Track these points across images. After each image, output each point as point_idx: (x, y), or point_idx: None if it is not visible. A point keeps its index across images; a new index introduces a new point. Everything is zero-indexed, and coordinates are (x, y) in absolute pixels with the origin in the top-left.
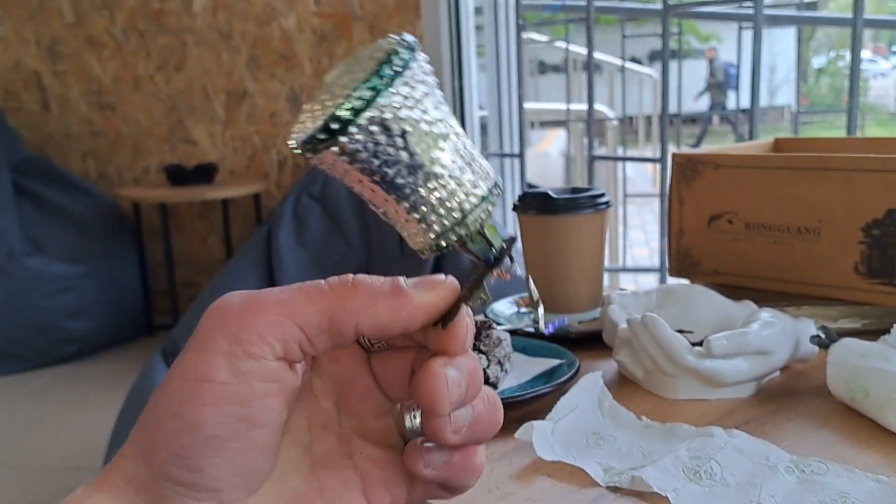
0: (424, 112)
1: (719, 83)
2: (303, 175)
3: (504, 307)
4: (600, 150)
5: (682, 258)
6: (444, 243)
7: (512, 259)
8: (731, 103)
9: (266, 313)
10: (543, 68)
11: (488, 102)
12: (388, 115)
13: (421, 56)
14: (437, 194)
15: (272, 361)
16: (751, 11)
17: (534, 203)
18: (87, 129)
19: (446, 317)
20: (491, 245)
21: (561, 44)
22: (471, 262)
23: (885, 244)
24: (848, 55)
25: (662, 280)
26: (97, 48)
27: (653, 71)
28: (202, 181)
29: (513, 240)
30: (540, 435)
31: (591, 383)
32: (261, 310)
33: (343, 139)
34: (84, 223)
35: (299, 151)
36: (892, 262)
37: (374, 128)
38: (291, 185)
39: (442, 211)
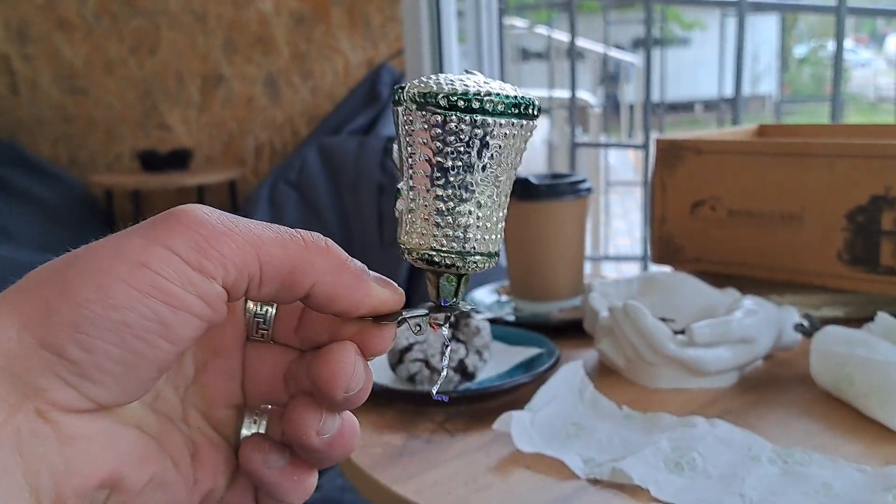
0: (512, 157)
1: (611, 75)
2: (280, 161)
3: (484, 295)
4: (583, 138)
5: (664, 245)
6: (434, 259)
7: (450, 324)
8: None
9: (234, 237)
10: (526, 55)
11: None
12: (496, 132)
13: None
14: (468, 219)
15: (218, 286)
16: None
17: (514, 189)
18: (58, 114)
19: (383, 318)
20: (456, 294)
21: (543, 30)
22: (428, 289)
23: (868, 231)
24: (830, 44)
25: (645, 269)
26: (68, 31)
27: (636, 58)
28: (176, 167)
29: (468, 313)
30: (519, 425)
31: (572, 373)
32: (231, 232)
33: (452, 115)
34: (55, 210)
35: (409, 94)
36: (875, 250)
37: (478, 130)
38: (268, 171)
39: (460, 234)
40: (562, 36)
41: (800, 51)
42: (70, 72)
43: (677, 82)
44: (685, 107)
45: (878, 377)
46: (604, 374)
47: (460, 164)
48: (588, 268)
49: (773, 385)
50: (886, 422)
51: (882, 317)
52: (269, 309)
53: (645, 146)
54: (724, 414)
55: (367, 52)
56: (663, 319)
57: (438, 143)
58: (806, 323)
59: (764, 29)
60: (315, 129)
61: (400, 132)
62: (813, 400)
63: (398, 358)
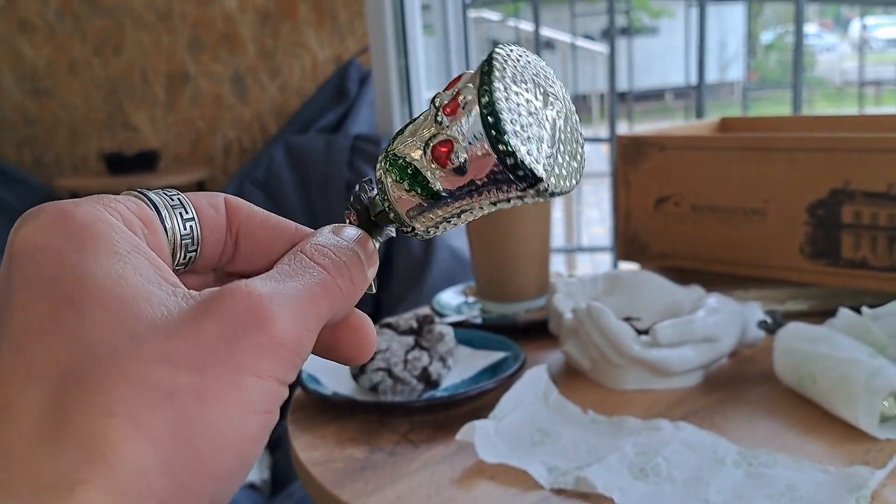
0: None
1: None
2: (249, 160)
3: (451, 297)
4: None
5: (629, 242)
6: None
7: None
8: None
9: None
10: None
11: (438, 83)
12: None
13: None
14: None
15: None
16: None
17: None
18: (21, 117)
19: None
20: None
21: (513, 22)
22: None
23: (828, 224)
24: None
25: (617, 260)
26: (29, 32)
27: (605, 48)
28: (144, 169)
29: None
30: (482, 435)
31: (536, 377)
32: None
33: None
34: (18, 214)
35: (512, 157)
36: (836, 243)
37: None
38: (237, 170)
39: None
40: (531, 27)
41: (767, 37)
42: (33, 73)
43: (647, 71)
44: (656, 95)
45: (840, 374)
46: (570, 376)
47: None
48: (562, 260)
49: (739, 383)
50: (849, 419)
51: (844, 312)
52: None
53: (611, 139)
54: (689, 415)
55: (335, 48)
56: (628, 319)
57: (489, 190)
58: (769, 320)
59: (731, 16)
60: (283, 127)
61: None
62: (777, 398)
63: (360, 368)
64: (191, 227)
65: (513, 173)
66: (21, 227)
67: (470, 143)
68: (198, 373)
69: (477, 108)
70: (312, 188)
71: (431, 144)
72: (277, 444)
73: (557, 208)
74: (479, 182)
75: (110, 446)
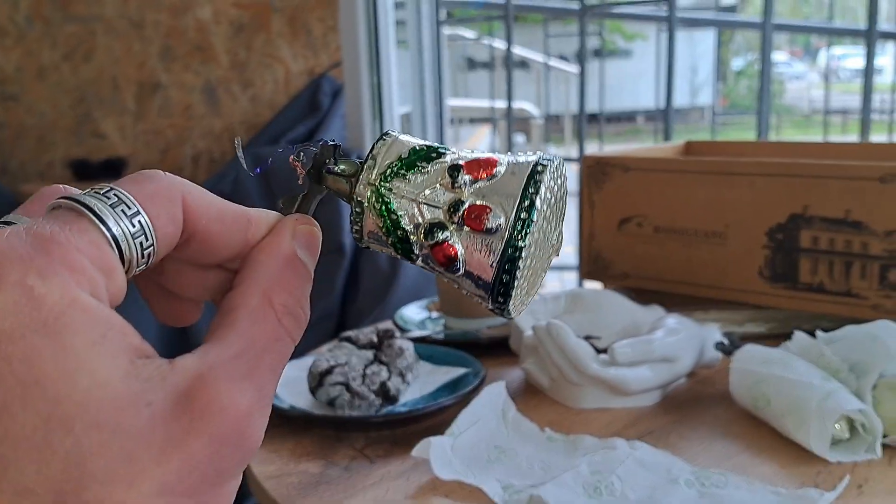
0: None
1: None
2: (218, 170)
3: (414, 312)
4: (526, 148)
5: (593, 261)
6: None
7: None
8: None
9: None
10: (472, 65)
11: (412, 98)
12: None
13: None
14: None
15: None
16: (665, 14)
17: None
18: None
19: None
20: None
21: (486, 40)
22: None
23: (787, 248)
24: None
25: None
26: None
27: (578, 69)
28: (110, 176)
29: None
30: (438, 451)
31: (495, 394)
32: None
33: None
34: None
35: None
36: (794, 267)
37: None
38: (205, 181)
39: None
40: (504, 46)
41: (737, 64)
42: (0, 78)
43: (620, 92)
44: (628, 117)
45: (794, 396)
46: (529, 393)
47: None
48: None
49: (695, 404)
50: (802, 441)
51: (799, 335)
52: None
53: (579, 159)
54: (646, 434)
55: (308, 61)
56: (589, 337)
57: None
58: (726, 341)
59: (702, 42)
60: (254, 138)
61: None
62: (733, 419)
63: (318, 381)
64: (139, 222)
65: (493, 308)
66: None
67: (475, 267)
68: (191, 498)
69: (501, 248)
70: (279, 200)
71: (436, 241)
72: None
73: None
74: (456, 277)
75: None
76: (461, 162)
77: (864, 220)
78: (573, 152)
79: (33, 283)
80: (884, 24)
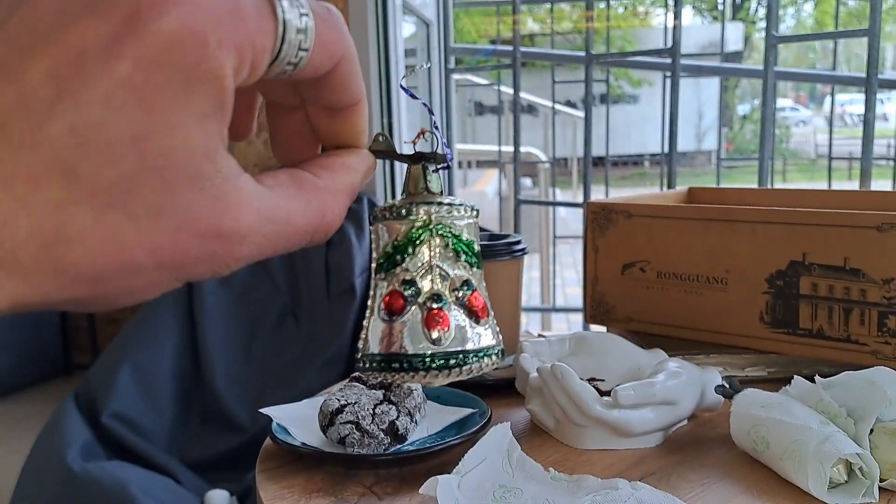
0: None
1: None
2: None
3: None
4: (534, 191)
5: (597, 305)
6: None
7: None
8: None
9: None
10: (481, 109)
11: (421, 143)
12: None
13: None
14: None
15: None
16: (669, 62)
17: None
18: None
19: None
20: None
21: (495, 86)
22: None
23: (787, 295)
24: (774, 104)
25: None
26: None
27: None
28: None
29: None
30: (445, 489)
31: (500, 434)
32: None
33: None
34: None
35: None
36: (794, 313)
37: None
38: None
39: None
40: (512, 91)
41: (743, 109)
42: None
43: (627, 137)
44: (634, 161)
45: (792, 440)
46: (534, 434)
47: None
48: (538, 319)
49: (697, 446)
50: (801, 484)
51: (798, 380)
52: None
53: (585, 205)
54: (647, 475)
55: None
56: (592, 379)
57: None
58: (727, 385)
59: (709, 87)
60: None
61: None
62: (733, 461)
63: (329, 420)
64: (301, 57)
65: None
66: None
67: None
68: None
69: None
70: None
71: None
72: (246, 495)
73: (535, 269)
74: (392, 321)
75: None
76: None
77: (862, 268)
78: (579, 196)
79: (204, 55)
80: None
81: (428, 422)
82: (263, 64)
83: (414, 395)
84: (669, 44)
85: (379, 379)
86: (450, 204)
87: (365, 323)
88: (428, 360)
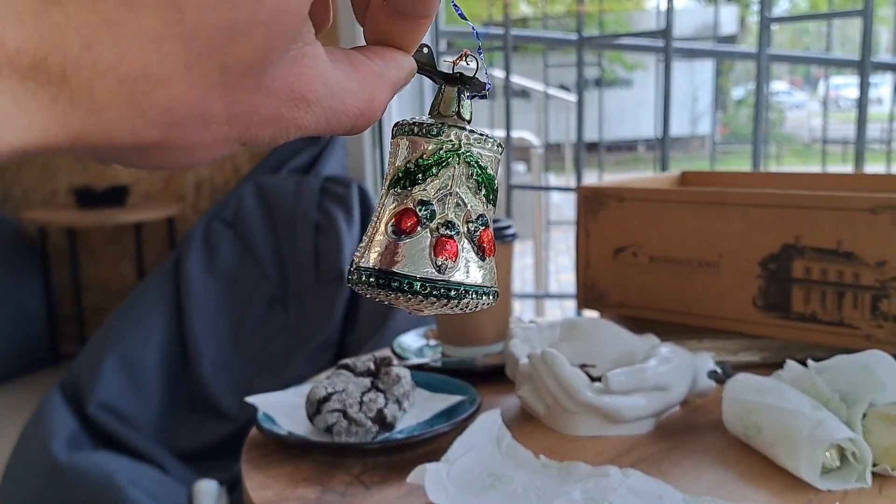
0: None
1: None
2: (219, 198)
3: (412, 340)
4: (527, 177)
5: (589, 290)
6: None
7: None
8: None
9: None
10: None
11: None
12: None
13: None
14: None
15: None
16: (662, 44)
17: None
18: None
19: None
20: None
21: (494, 71)
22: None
23: (780, 278)
24: (768, 86)
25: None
26: None
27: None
28: (113, 203)
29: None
30: (433, 478)
31: (490, 421)
32: None
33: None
34: None
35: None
36: (787, 297)
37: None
38: (208, 209)
39: None
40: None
41: (738, 93)
42: None
43: (621, 121)
44: (629, 146)
45: (784, 425)
46: (525, 421)
47: None
48: (531, 305)
49: (688, 432)
50: (793, 469)
51: (790, 364)
52: None
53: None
54: (639, 462)
55: None
56: (584, 366)
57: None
58: (719, 370)
59: (703, 71)
60: (256, 167)
61: None
62: (725, 447)
63: (316, 408)
64: None
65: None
66: None
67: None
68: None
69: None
70: (280, 228)
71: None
72: (235, 485)
73: (528, 255)
74: (400, 240)
75: None
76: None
77: (855, 251)
78: (573, 181)
79: None
80: (883, 55)
81: (416, 409)
82: None
83: (402, 382)
84: (663, 26)
85: (369, 295)
86: (481, 134)
87: (365, 236)
88: (429, 285)
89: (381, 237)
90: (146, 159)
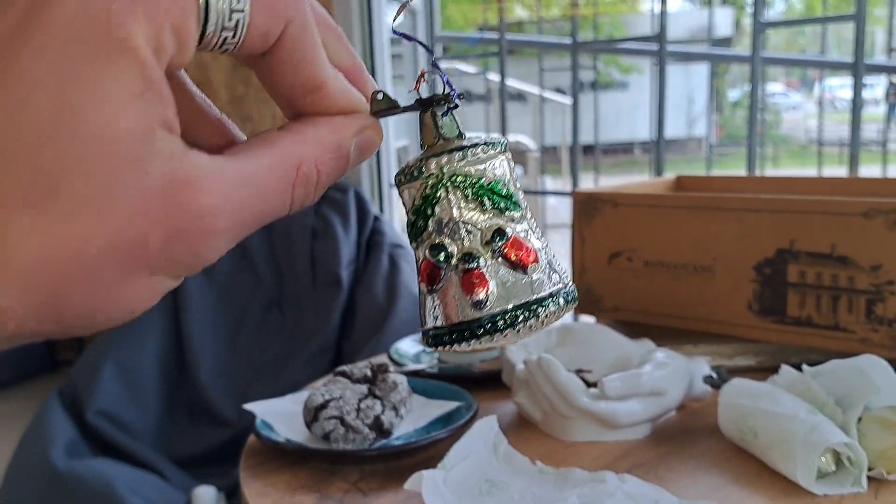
0: None
1: None
2: None
3: (408, 346)
4: (523, 180)
5: (584, 295)
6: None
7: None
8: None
9: None
10: (469, 97)
11: (407, 132)
12: None
13: None
14: None
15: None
16: (656, 48)
17: None
18: None
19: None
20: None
21: (483, 74)
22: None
23: (775, 282)
24: (763, 88)
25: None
26: None
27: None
28: None
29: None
30: (430, 484)
31: (487, 428)
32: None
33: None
34: None
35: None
36: (782, 301)
37: None
38: None
39: None
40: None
41: (734, 95)
42: None
43: (616, 124)
44: (624, 148)
45: (780, 430)
46: (521, 426)
47: None
48: None
49: (684, 436)
50: (788, 474)
51: (785, 369)
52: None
53: (571, 194)
54: (635, 467)
55: None
56: (579, 371)
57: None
58: (714, 375)
59: (699, 72)
60: None
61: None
62: (721, 451)
63: (313, 416)
64: (236, 20)
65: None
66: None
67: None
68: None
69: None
70: (275, 233)
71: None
72: (233, 491)
73: None
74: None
75: None
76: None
77: (849, 255)
78: (568, 185)
79: (107, 23)
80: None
81: (413, 416)
82: (190, 31)
83: (399, 389)
84: (657, 30)
85: (451, 349)
86: (463, 147)
87: (420, 299)
88: (474, 327)
89: (423, 297)
90: (68, 325)
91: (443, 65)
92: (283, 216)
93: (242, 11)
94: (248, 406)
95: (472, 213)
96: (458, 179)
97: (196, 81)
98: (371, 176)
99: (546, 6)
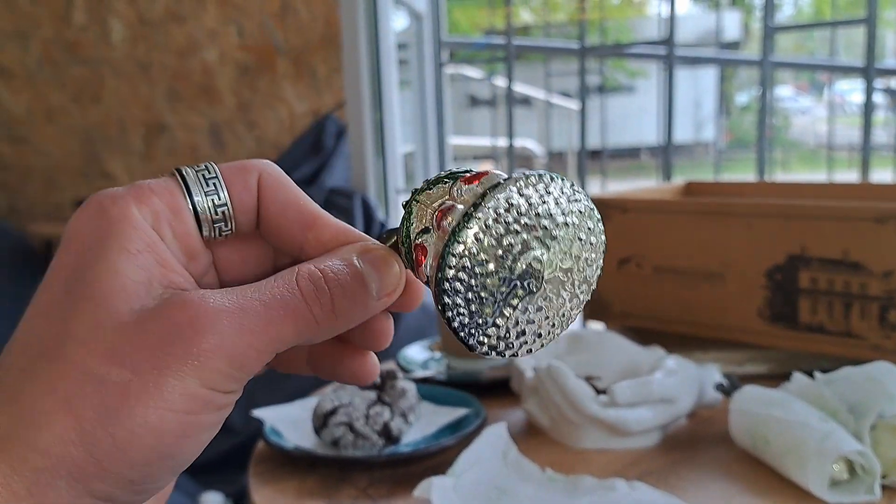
0: None
1: None
2: None
3: (417, 352)
4: None
5: (593, 301)
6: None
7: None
8: (652, 138)
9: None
10: (475, 102)
11: (414, 137)
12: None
13: None
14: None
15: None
16: (664, 52)
17: None
18: None
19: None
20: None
21: (489, 79)
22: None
23: (786, 289)
24: (772, 92)
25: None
26: (8, 78)
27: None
28: None
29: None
30: (440, 492)
31: (496, 435)
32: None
33: None
34: None
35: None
36: (793, 307)
37: None
38: None
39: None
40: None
41: (742, 99)
42: (9, 119)
43: (624, 129)
44: (631, 153)
45: (793, 438)
46: (531, 434)
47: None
48: None
49: (695, 444)
50: (801, 482)
51: (797, 376)
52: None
53: None
54: (645, 475)
55: (313, 102)
56: (589, 378)
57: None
58: (726, 382)
59: (706, 76)
60: None
61: None
62: (732, 459)
63: (322, 422)
64: (222, 212)
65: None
66: (76, 212)
67: (430, 265)
68: (128, 370)
69: (436, 263)
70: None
71: (414, 242)
72: (240, 497)
73: None
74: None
75: (44, 415)
76: (466, 174)
77: (861, 261)
78: None
79: (105, 201)
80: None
81: (422, 423)
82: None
83: (408, 395)
84: (665, 34)
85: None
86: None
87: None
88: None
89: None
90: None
91: (449, 70)
92: (315, 334)
93: (225, 205)
94: (257, 412)
95: (434, 198)
96: (418, 190)
97: (202, 87)
98: (377, 182)
99: (552, 10)
